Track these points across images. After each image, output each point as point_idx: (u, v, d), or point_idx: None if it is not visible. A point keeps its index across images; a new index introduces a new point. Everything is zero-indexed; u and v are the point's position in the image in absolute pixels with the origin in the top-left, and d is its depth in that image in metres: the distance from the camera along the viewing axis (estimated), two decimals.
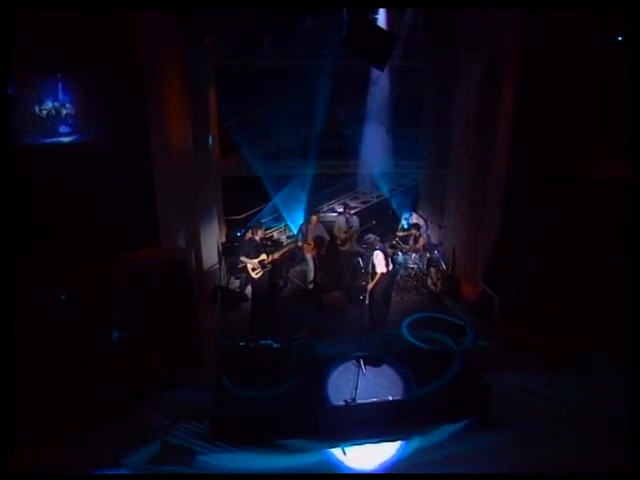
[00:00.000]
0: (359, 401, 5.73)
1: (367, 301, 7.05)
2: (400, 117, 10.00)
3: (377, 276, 7.30)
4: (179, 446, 5.46)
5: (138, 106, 8.25)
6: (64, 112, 9.24)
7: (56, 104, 9.14)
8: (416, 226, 9.47)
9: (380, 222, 9.78)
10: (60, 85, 9.11)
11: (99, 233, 8.22)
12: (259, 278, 7.45)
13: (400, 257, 9.26)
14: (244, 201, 11.25)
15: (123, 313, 6.61)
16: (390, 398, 5.79)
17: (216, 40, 8.91)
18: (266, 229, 10.96)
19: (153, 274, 7.08)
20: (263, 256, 7.46)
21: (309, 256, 8.96)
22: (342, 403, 5.69)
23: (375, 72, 9.10)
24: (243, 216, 11.31)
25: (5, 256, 4.71)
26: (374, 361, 6.56)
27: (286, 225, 11.12)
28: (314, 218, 8.79)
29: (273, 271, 9.07)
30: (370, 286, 7.30)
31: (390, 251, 9.19)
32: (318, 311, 8.23)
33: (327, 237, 9.06)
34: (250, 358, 6.63)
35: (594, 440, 5.44)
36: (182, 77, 8.34)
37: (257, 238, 7.53)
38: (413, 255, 9.27)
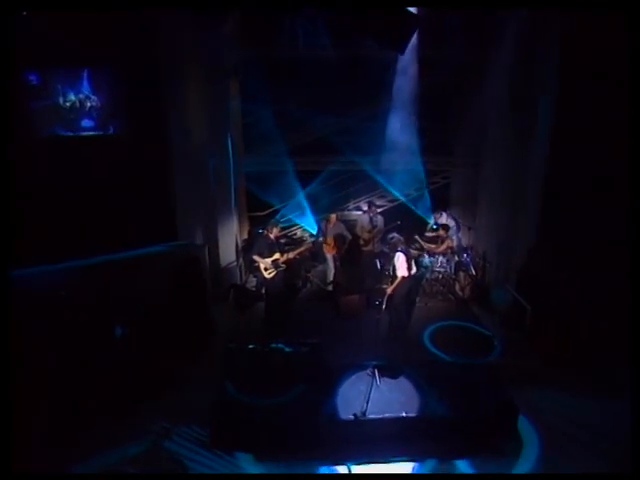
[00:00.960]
0: (370, 416, 5.27)
1: (385, 306, 6.57)
2: (431, 111, 9.43)
3: (397, 280, 6.80)
4: (172, 452, 5.17)
5: (156, 99, 8.08)
6: (88, 104, 9.06)
7: (81, 96, 8.95)
8: (445, 227, 8.88)
9: (406, 222, 9.26)
10: (85, 77, 8.91)
11: (114, 228, 8.07)
12: (272, 278, 7.10)
13: (426, 260, 8.72)
14: (268, 197, 11.00)
15: (128, 309, 6.42)
16: (405, 414, 5.29)
17: (237, 31, 8.66)
18: (287, 227, 10.70)
19: (162, 270, 6.86)
20: (277, 255, 7.11)
21: (329, 256, 8.57)
22: (351, 417, 5.24)
23: (403, 61, 8.58)
24: (266, 213, 11.04)
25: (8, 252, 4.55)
26: (390, 372, 6.06)
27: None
28: (333, 217, 8.37)
29: (291, 270, 8.74)
30: (389, 290, 6.81)
31: (415, 253, 8.68)
32: (335, 314, 7.81)
33: (348, 236, 8.63)
34: (257, 362, 6.27)
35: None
36: (201, 69, 8.13)
37: (272, 236, 7.19)
38: (440, 258, 8.70)
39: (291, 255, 7.25)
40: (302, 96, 10.00)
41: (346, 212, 10.43)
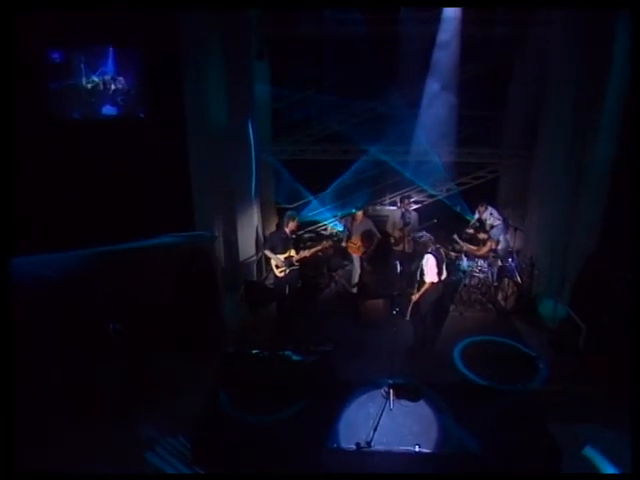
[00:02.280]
0: (376, 447, 4.45)
1: (408, 315, 5.69)
2: (477, 97, 8.34)
3: (425, 286, 5.89)
4: (152, 465, 4.62)
5: (176, 81, 7.56)
6: (112, 87, 8.60)
7: (106, 77, 8.47)
8: (485, 228, 7.81)
9: (445, 220, 8.27)
10: (111, 56, 8.45)
11: (127, 217, 7.67)
12: (284, 277, 6.39)
13: (464, 263, 7.71)
14: (297, 188, 10.33)
15: (123, 304, 5.95)
16: (418, 449, 4.43)
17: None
18: (315, 222, 9.98)
19: (163, 263, 6.34)
20: (291, 252, 6.39)
21: (355, 256, 7.75)
22: (352, 447, 4.45)
23: (445, 40, 7.58)
24: (295, 205, 10.38)
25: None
26: (408, 393, 5.19)
27: (339, 217, 9.96)
28: (359, 214, 7.52)
29: (313, 269, 8.03)
30: (415, 297, 5.92)
31: (452, 255, 7.70)
32: (355, 320, 7.00)
33: (377, 234, 7.75)
34: (258, 371, 5.61)
35: None
36: (224, 50, 7.54)
37: (287, 230, 6.47)
38: (481, 262, 7.64)
39: (306, 253, 6.49)
40: (334, 80, 9.24)
41: (378, 207, 9.55)
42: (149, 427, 5.21)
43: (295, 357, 6.04)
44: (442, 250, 7.10)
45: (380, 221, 8.63)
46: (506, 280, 7.78)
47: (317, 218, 9.94)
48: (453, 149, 8.79)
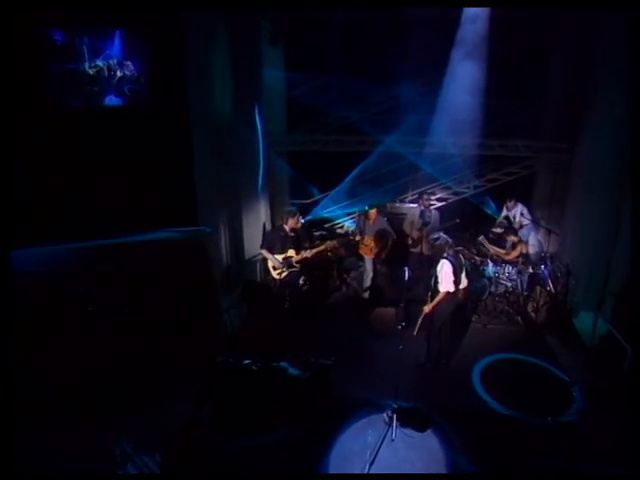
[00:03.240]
0: None
1: (416, 330, 4.95)
2: (510, 83, 7.45)
3: (440, 295, 5.13)
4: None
5: (179, 65, 7.01)
6: (118, 74, 7.94)
7: (111, 61, 7.80)
8: (514, 224, 6.96)
9: (469, 220, 7.44)
10: (118, 37, 7.80)
11: (126, 212, 7.21)
12: (282, 279, 5.76)
13: (490, 268, 6.88)
14: (312, 183, 9.70)
15: (112, 302, 5.50)
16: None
17: None
18: (329, 219, 9.32)
19: (153, 260, 5.84)
20: (290, 252, 5.76)
21: (368, 259, 7.04)
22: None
23: (474, 19, 6.72)
24: (310, 201, 9.76)
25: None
26: (414, 420, 4.49)
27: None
28: (372, 212, 6.77)
29: (322, 270, 7.38)
30: (427, 308, 5.16)
31: (477, 259, 6.89)
32: (364, 329, 6.30)
33: (392, 234, 7.00)
34: (247, 385, 5.02)
35: None
36: (230, 35, 6.96)
37: (287, 228, 5.84)
38: (508, 267, 6.79)
39: (307, 254, 5.83)
40: (352, 66, 8.51)
41: (397, 204, 8.78)
42: (126, 441, 4.71)
43: (291, 370, 5.42)
44: (463, 254, 6.32)
45: (398, 219, 7.89)
46: (538, 289, 6.89)
47: (331, 215, 9.27)
48: (482, 141, 7.93)
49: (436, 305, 5.15)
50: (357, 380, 5.13)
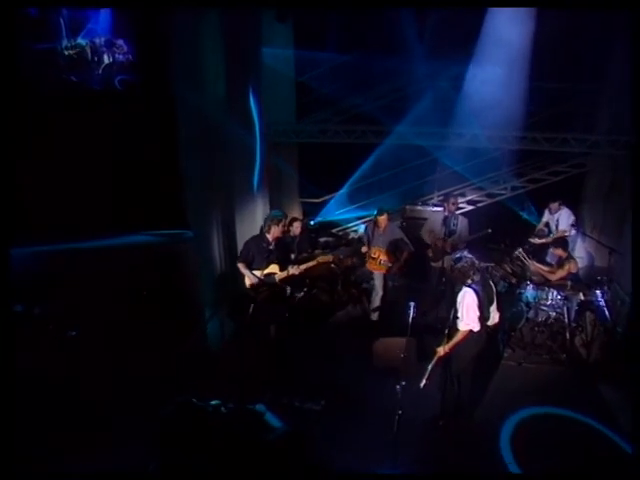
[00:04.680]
0: None
1: (423, 382, 3.73)
2: (563, 59, 6.05)
3: (459, 334, 3.90)
4: None
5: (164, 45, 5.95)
6: (106, 59, 6.67)
7: (97, 41, 6.57)
8: (555, 232, 5.63)
9: (503, 230, 6.13)
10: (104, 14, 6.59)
11: (110, 213, 6.26)
12: (262, 299, 4.64)
13: (529, 292, 5.59)
14: (323, 179, 8.56)
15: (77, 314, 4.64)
16: None
17: None
18: (335, 222, 8.17)
19: (128, 267, 4.93)
20: (273, 267, 4.64)
21: (378, 274, 5.84)
22: None
23: None
24: (321, 200, 8.66)
25: None
26: None
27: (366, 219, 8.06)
28: (382, 218, 5.56)
29: (328, 283, 6.28)
30: (441, 350, 3.93)
31: (513, 280, 5.60)
32: (366, 363, 5.11)
33: (408, 246, 5.76)
34: (208, 434, 3.94)
35: None
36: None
37: (269, 237, 4.72)
38: (553, 293, 5.44)
39: (295, 271, 4.66)
40: (370, 45, 7.30)
41: (418, 206, 7.51)
42: None
43: (268, 417, 4.33)
44: (494, 272, 5.06)
45: (417, 225, 6.66)
46: (589, 318, 5.53)
47: (342, 218, 8.13)
48: (524, 133, 6.56)
49: (453, 346, 3.93)
50: (351, 436, 4.00)
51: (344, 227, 8.27)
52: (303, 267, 4.67)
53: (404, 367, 3.23)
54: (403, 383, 3.15)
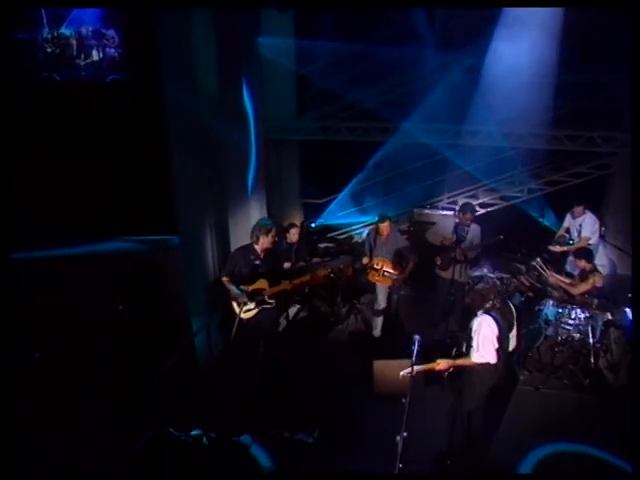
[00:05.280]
0: None
1: (405, 372, 3.20)
2: (590, 48, 5.47)
3: (468, 361, 3.39)
4: None
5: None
6: (94, 55, 6.10)
7: (83, 30, 6.02)
8: (587, 252, 5.07)
9: (517, 237, 5.58)
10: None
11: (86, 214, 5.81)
12: (251, 320, 4.17)
13: (550, 309, 5.05)
14: (325, 179, 8.08)
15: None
16: None
17: None
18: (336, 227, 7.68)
19: (105, 277, 4.52)
20: (261, 283, 4.14)
21: (381, 287, 5.33)
22: None
23: None
24: (324, 200, 8.19)
25: None
26: None
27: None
28: (384, 225, 5.04)
29: (328, 293, 5.81)
30: (443, 363, 3.38)
31: (530, 294, 5.07)
32: (364, 387, 4.61)
33: (413, 256, 5.22)
34: (187, 470, 3.52)
35: None
36: None
37: (257, 249, 4.22)
38: (576, 310, 4.90)
39: (287, 286, 4.16)
40: (378, 32, 6.75)
41: (426, 210, 6.97)
42: None
43: (254, 450, 3.92)
44: (509, 289, 4.55)
45: (424, 230, 6.13)
46: (614, 338, 4.98)
47: (344, 222, 7.63)
48: (544, 131, 5.99)
49: (457, 368, 3.42)
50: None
51: (346, 231, 7.77)
52: (296, 282, 4.17)
53: (406, 412, 2.72)
54: (405, 434, 2.64)
